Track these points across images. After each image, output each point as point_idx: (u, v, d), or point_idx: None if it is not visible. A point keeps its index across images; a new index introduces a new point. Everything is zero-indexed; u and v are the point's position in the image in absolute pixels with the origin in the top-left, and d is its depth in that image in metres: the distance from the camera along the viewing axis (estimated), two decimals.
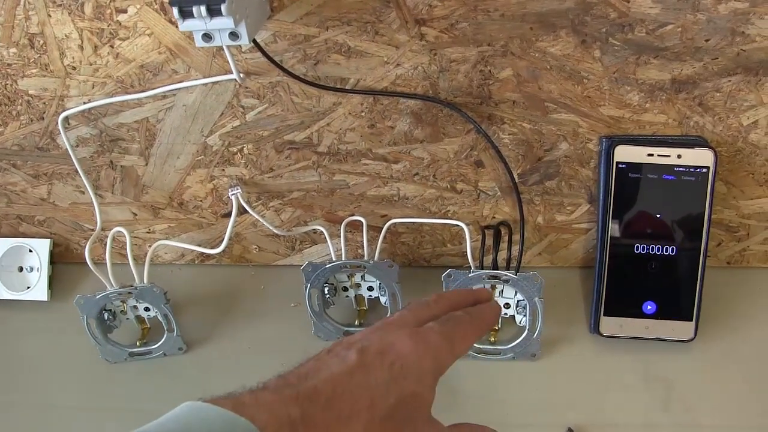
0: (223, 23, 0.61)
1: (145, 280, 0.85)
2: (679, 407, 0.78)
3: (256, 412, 0.41)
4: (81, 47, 0.78)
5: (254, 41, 0.71)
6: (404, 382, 0.47)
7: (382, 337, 0.50)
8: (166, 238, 0.95)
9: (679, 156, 0.78)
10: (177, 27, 0.74)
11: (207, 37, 0.63)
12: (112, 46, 0.78)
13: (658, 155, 0.79)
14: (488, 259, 0.85)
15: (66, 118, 0.83)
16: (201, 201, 0.91)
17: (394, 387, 0.47)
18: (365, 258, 0.86)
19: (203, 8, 0.60)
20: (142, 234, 0.95)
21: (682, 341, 0.83)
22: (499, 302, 0.84)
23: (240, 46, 0.75)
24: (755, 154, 0.81)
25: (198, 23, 0.61)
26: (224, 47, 0.67)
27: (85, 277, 0.95)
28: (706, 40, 0.72)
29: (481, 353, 0.84)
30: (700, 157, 0.78)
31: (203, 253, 0.94)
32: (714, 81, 0.76)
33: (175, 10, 0.61)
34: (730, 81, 0.75)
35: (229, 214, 0.88)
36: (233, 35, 0.63)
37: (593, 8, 0.71)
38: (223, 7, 0.59)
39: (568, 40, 0.73)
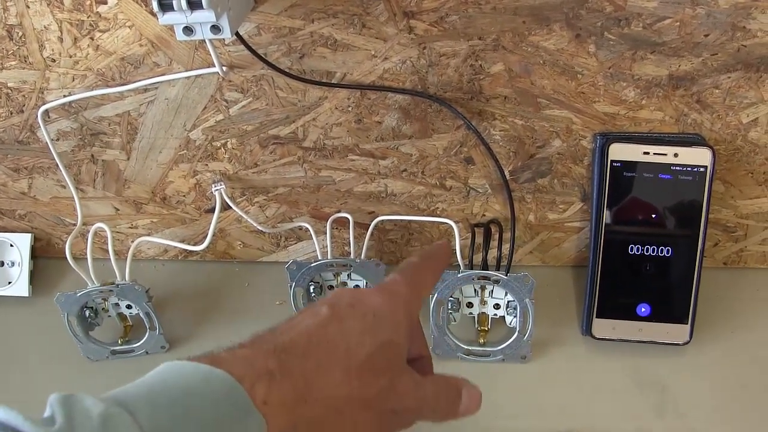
0: (205, 16, 0.59)
1: (127, 278, 0.83)
2: (673, 412, 0.77)
3: (233, 365, 0.42)
4: (60, 39, 0.76)
5: (237, 34, 0.69)
6: (378, 330, 0.48)
7: (352, 294, 0.50)
8: (149, 234, 0.93)
9: (675, 155, 0.76)
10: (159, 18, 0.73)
11: (188, 30, 0.61)
12: (92, 38, 0.76)
13: (654, 153, 0.77)
14: (478, 258, 0.83)
15: (46, 112, 0.81)
16: (184, 196, 0.89)
17: (369, 335, 0.47)
18: (352, 256, 0.84)
19: (183, 1, 0.58)
20: (125, 229, 0.93)
21: (677, 344, 0.81)
22: (490, 305, 0.83)
23: (223, 39, 0.73)
24: (755, 153, 0.79)
25: (178, 16, 0.59)
26: (206, 40, 0.65)
27: (67, 273, 0.93)
28: (706, 35, 0.70)
29: (470, 354, 0.82)
30: (698, 156, 0.76)
31: (185, 249, 0.92)
32: (713, 77, 0.73)
33: (154, 3, 0.59)
34: (729, 77, 0.73)
35: (212, 210, 0.86)
36: (215, 28, 0.61)
37: (588, 1, 0.69)
38: (203, 0, 0.57)
39: (562, 34, 0.71)
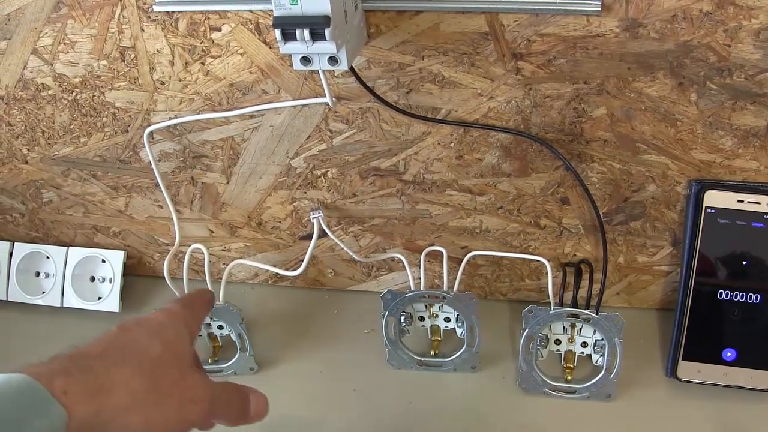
0: (325, 48, 0.61)
1: (221, 299, 0.84)
2: None
3: (29, 371, 0.45)
4: (172, 63, 0.79)
5: (351, 67, 0.71)
6: (164, 334, 0.55)
7: (135, 318, 0.56)
8: (241, 257, 0.95)
9: None
10: (271, 48, 0.75)
11: (305, 60, 0.63)
12: (203, 63, 0.78)
13: (749, 202, 0.78)
14: (567, 297, 0.84)
15: (151, 133, 0.83)
16: (280, 222, 0.91)
17: (156, 340, 0.53)
18: (444, 288, 0.85)
19: (307, 32, 0.59)
20: (217, 251, 0.95)
21: (762, 390, 0.81)
22: (578, 343, 0.83)
23: (333, 70, 0.75)
24: None
25: (299, 46, 0.61)
26: (320, 71, 0.67)
27: (156, 290, 0.96)
28: None
29: (556, 390, 0.83)
30: None
31: (277, 273, 0.94)
32: None
33: (277, 33, 0.60)
34: None
35: (308, 237, 0.88)
36: (332, 60, 0.63)
37: (693, 51, 0.70)
38: (327, 32, 0.59)
39: (665, 81, 0.73)
